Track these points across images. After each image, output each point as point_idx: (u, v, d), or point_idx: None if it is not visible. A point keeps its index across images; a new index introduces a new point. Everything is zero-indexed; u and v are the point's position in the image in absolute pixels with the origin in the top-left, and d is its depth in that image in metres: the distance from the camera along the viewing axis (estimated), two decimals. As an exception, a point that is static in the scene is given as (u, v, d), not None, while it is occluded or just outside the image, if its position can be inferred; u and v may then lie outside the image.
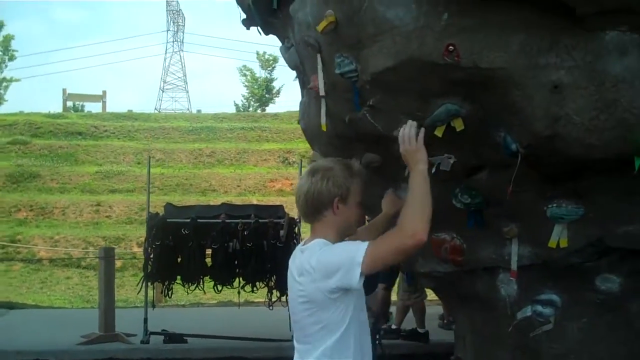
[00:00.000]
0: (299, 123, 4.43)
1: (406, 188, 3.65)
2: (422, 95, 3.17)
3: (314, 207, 2.82)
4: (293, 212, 9.77)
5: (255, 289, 9.41)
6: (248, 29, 4.48)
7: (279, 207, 9.71)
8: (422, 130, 2.84)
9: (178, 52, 64.15)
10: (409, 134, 2.84)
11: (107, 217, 22.06)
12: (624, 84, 2.87)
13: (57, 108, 39.21)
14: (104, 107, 40.29)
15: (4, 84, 42.43)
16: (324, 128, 3.76)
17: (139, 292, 9.45)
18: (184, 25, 63.99)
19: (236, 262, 9.07)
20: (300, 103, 4.42)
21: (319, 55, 3.49)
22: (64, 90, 40.91)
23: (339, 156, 4.15)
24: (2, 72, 42.43)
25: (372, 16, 3.03)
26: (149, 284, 9.25)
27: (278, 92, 47.79)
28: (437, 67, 2.99)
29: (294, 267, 2.89)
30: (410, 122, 2.83)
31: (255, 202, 19.17)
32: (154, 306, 9.63)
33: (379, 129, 3.47)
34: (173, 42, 64.06)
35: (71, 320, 10.31)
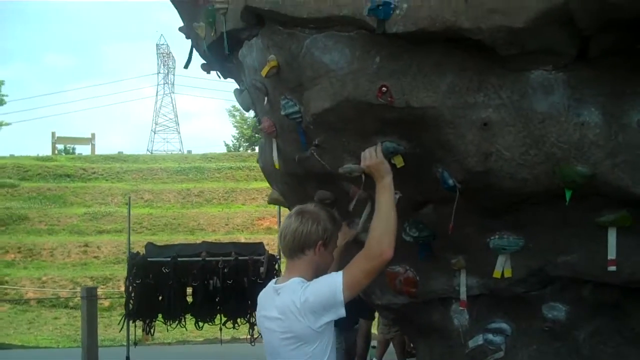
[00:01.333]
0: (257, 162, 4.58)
1: (358, 223, 3.82)
2: (362, 134, 3.32)
3: (299, 245, 3.02)
4: (273, 249, 9.90)
5: (236, 325, 9.51)
6: (208, 73, 4.63)
7: (259, 245, 9.86)
8: (379, 144, 3.12)
9: (169, 94, 64.69)
10: (369, 151, 3.10)
11: (95, 257, 22.12)
12: (551, 121, 3.01)
13: (47, 151, 39.36)
14: (92, 149, 40.48)
15: (-6, 128, 42.58)
16: (276, 166, 3.92)
17: (121, 329, 9.53)
18: (174, 68, 64.47)
19: (217, 299, 9.19)
20: (259, 143, 4.57)
21: (266, 98, 3.66)
22: (52, 134, 41.10)
23: (294, 194, 4.32)
24: (-8, 117, 42.58)
25: (310, 61, 3.18)
26: (132, 322, 9.34)
27: (266, 132, 47.91)
28: (372, 107, 3.14)
29: (271, 306, 3.04)
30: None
31: (243, 240, 19.24)
32: (135, 344, 9.70)
33: (327, 167, 3.61)
34: (164, 84, 64.61)
35: (55, 360, 10.35)
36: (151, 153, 48.12)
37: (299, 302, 2.87)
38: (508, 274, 3.60)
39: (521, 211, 3.40)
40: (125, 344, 9.73)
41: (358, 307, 5.17)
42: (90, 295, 10.01)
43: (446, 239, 3.72)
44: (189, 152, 41.54)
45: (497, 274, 3.61)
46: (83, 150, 42.69)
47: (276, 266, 9.43)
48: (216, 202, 27.13)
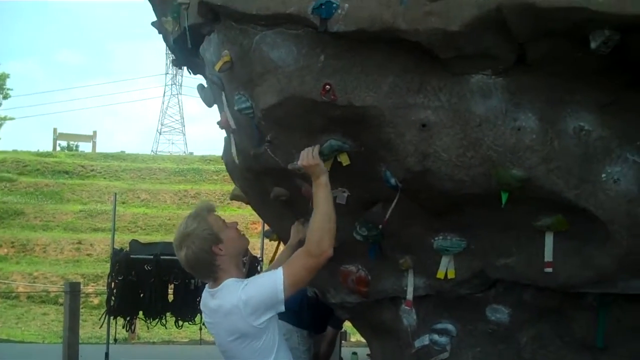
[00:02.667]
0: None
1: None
2: (309, 131, 3.41)
3: (202, 266, 3.09)
4: (255, 250, 9.97)
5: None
6: (180, 68, 4.74)
7: (243, 246, 9.85)
8: (317, 146, 3.23)
9: (176, 95, 64.78)
10: (307, 151, 3.19)
11: (87, 255, 22.22)
12: (488, 124, 3.09)
13: (48, 147, 39.52)
14: (94, 147, 40.61)
15: (-2, 122, 42.86)
16: (236, 160, 4.01)
17: (101, 326, 9.58)
18: (182, 69, 64.47)
19: (197, 299, 9.24)
20: (224, 139, 4.66)
21: (223, 93, 3.76)
22: (54, 130, 41.27)
23: (253, 189, 4.40)
24: (-4, 111, 42.89)
25: (259, 57, 3.28)
26: (114, 319, 9.39)
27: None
28: (317, 104, 3.23)
29: (210, 310, 3.15)
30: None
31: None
32: (116, 340, 9.75)
33: (280, 163, 3.70)
34: (172, 85, 64.72)
35: (37, 355, 10.42)
36: (156, 153, 48.27)
37: (240, 302, 2.94)
38: (451, 275, 3.68)
39: (463, 213, 3.48)
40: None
41: (328, 315, 5.25)
42: (74, 290, 10.05)
43: (395, 238, 3.81)
44: (191, 153, 41.66)
45: (440, 274, 3.69)
46: (86, 147, 42.94)
47: (258, 268, 9.49)
48: (212, 205, 27.20)
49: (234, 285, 3.02)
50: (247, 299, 2.94)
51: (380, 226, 3.66)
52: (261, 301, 2.95)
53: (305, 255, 3.08)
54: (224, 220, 3.19)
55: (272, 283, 2.98)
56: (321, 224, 3.09)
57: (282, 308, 3.01)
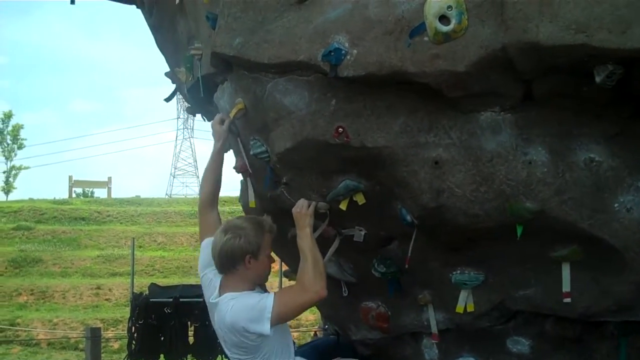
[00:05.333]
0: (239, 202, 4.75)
1: (329, 261, 3.96)
2: (324, 172, 3.49)
3: (228, 262, 3.24)
4: (274, 289, 9.99)
5: None
6: (194, 115, 4.85)
7: (260, 284, 9.87)
8: (314, 203, 3.38)
9: (188, 139, 65.18)
10: (303, 201, 3.40)
11: (106, 299, 22.23)
12: (499, 159, 3.15)
13: (64, 195, 39.82)
14: (109, 193, 40.87)
15: (13, 172, 43.37)
16: (252, 205, 4.09)
17: (124, 370, 9.58)
18: (196, 116, 64.95)
19: (218, 341, 9.24)
20: (241, 183, 4.75)
21: (238, 139, 3.85)
22: (70, 177, 41.63)
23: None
24: (11, 161, 43.43)
25: (272, 103, 3.37)
26: (134, 363, 9.40)
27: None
28: (330, 146, 3.31)
29: (213, 319, 3.37)
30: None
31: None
32: (138, 384, 9.72)
33: (296, 204, 3.77)
34: (183, 129, 65.14)
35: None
36: (170, 197, 48.48)
37: (228, 322, 3.15)
38: (471, 308, 3.71)
39: (480, 246, 3.53)
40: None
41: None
42: (95, 336, 10.10)
43: (413, 274, 3.86)
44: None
45: (459, 309, 3.72)
46: (102, 194, 43.26)
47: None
48: (228, 245, 27.24)
49: (227, 303, 3.18)
50: (233, 322, 3.14)
51: (404, 264, 3.71)
52: (244, 326, 3.12)
53: (301, 290, 3.24)
54: (271, 248, 3.41)
55: (261, 307, 3.13)
56: (313, 267, 3.26)
57: (267, 332, 3.13)
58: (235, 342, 3.21)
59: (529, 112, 3.12)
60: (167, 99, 4.39)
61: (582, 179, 3.11)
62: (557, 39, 2.68)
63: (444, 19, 2.89)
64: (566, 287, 3.38)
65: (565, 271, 3.38)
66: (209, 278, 3.38)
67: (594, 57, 2.67)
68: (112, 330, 19.40)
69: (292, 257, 4.54)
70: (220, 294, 3.26)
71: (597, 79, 2.71)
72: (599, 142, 3.07)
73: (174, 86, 4.74)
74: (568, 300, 3.38)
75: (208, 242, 3.40)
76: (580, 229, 3.16)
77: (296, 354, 3.49)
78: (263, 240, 3.30)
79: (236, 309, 3.15)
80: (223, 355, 9.34)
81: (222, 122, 3.66)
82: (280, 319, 3.19)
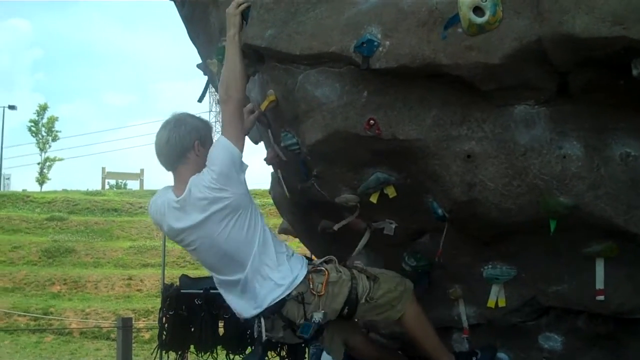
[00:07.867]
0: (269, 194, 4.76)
1: (359, 254, 3.95)
2: (354, 165, 3.48)
3: (178, 152, 3.28)
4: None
5: (267, 358, 9.54)
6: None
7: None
8: (245, 4, 3.41)
9: (220, 132, 65.51)
10: (234, 2, 3.41)
11: (138, 290, 22.41)
12: (533, 153, 3.11)
13: (97, 186, 40.25)
14: (141, 184, 41.18)
15: (48, 163, 43.95)
16: (287, 194, 4.10)
17: None
18: (227, 108, 65.32)
19: (248, 332, 9.28)
20: (271, 175, 4.76)
21: (269, 131, 3.85)
22: (102, 169, 42.04)
23: (301, 222, 4.47)
24: (46, 152, 44.02)
25: (303, 95, 3.36)
26: (165, 353, 9.48)
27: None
28: (361, 139, 3.30)
29: (184, 219, 3.29)
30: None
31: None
32: (168, 374, 9.80)
33: (327, 197, 3.77)
34: (215, 122, 65.42)
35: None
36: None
37: (213, 180, 3.14)
38: (502, 303, 3.68)
39: (512, 241, 3.49)
40: (161, 375, 9.84)
41: None
42: (126, 326, 10.19)
43: (444, 268, 3.83)
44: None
45: (491, 303, 3.69)
46: (134, 185, 43.60)
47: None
48: (259, 238, 27.31)
49: (198, 177, 3.19)
50: (217, 174, 3.13)
51: (435, 257, 3.68)
52: (226, 165, 3.14)
53: (222, 106, 3.31)
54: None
55: (221, 149, 3.18)
56: (227, 74, 3.31)
57: (245, 164, 3.25)
58: (229, 202, 3.20)
59: (563, 105, 3.07)
60: (200, 99, 4.39)
61: (617, 174, 3.07)
62: (593, 31, 2.63)
63: (478, 10, 2.86)
64: (599, 284, 3.34)
65: (599, 268, 3.34)
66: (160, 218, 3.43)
67: (631, 50, 2.62)
68: (144, 321, 19.58)
69: (321, 249, 4.54)
70: (182, 190, 3.25)
71: (634, 72, 2.66)
72: (635, 136, 3.03)
73: (205, 80, 4.73)
74: (601, 298, 3.34)
75: None
76: (616, 225, 3.12)
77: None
78: (207, 131, 3.42)
79: (211, 166, 3.17)
80: (252, 348, 9.44)
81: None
82: (241, 141, 3.27)
